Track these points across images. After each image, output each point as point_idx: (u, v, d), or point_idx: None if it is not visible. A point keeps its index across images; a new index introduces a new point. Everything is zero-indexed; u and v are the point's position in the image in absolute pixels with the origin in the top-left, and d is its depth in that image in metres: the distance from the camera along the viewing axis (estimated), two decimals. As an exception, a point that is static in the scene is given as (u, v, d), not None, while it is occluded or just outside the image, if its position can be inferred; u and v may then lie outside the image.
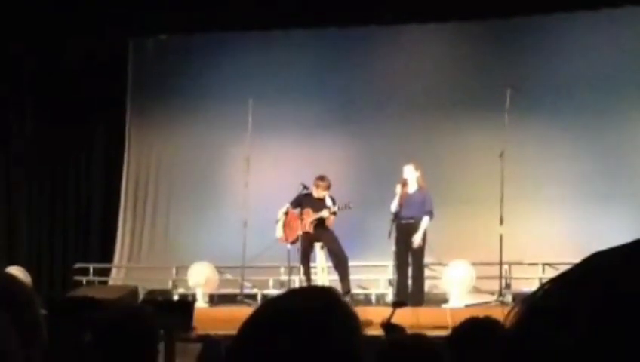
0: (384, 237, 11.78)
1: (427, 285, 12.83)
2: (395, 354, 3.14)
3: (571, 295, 0.77)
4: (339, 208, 12.08)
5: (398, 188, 11.85)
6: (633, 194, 13.01)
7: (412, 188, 11.87)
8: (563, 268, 0.83)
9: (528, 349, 0.77)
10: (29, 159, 15.25)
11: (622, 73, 13.34)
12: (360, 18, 14.11)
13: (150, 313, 3.66)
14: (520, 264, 12.79)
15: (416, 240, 11.66)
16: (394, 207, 11.71)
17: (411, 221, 11.71)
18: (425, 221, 11.73)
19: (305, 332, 1.49)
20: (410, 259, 11.79)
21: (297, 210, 12.29)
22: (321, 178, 12.27)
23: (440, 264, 12.51)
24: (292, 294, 1.73)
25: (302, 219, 12.18)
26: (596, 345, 0.73)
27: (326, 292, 1.64)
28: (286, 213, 12.33)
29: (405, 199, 11.76)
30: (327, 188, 12.23)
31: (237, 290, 12.98)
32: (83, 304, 7.89)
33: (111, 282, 14.59)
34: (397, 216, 11.71)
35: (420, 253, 11.76)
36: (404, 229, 11.70)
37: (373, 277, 13.32)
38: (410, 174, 11.88)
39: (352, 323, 1.57)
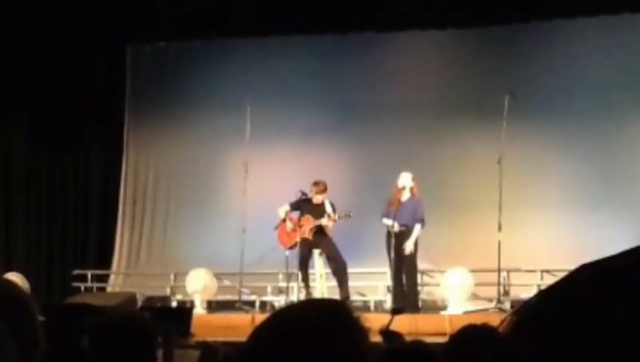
0: (382, 243, 11.78)
1: (425, 292, 12.84)
2: (394, 361, 3.14)
3: (558, 306, 0.77)
4: (339, 217, 12.07)
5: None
6: (632, 200, 13.01)
7: (405, 196, 11.87)
8: (561, 275, 0.84)
9: (518, 357, 0.78)
10: (27, 164, 15.24)
11: (620, 79, 13.36)
12: (358, 24, 14.12)
13: (148, 319, 3.66)
14: (518, 271, 12.79)
15: (408, 247, 11.66)
16: (387, 220, 11.70)
17: (403, 228, 11.71)
18: (417, 229, 11.73)
19: (312, 346, 1.48)
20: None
21: (296, 214, 12.29)
22: (316, 183, 12.26)
23: (438, 271, 12.50)
24: (299, 308, 1.72)
25: (301, 226, 12.17)
26: (581, 355, 0.74)
27: (335, 306, 1.64)
28: (284, 220, 12.31)
29: (398, 207, 11.75)
30: (323, 191, 12.20)
31: (235, 297, 12.97)
32: (81, 310, 7.88)
33: (109, 289, 14.58)
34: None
35: (411, 260, 11.75)
36: (396, 237, 11.70)
37: (371, 283, 13.31)
38: (407, 182, 11.87)
39: (362, 340, 1.56)
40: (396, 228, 11.65)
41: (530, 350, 0.77)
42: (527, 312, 0.80)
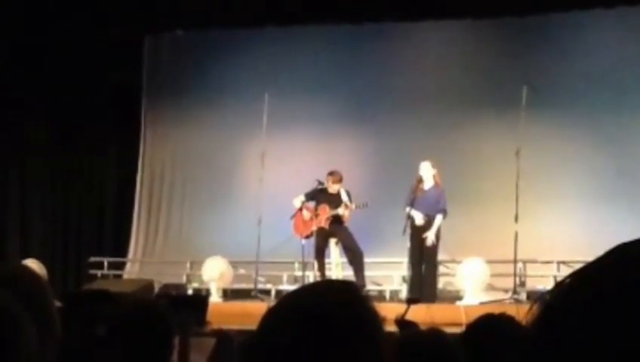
0: (398, 233, 11.74)
1: (441, 282, 12.80)
2: (410, 348, 3.14)
3: (592, 289, 0.75)
4: (356, 206, 12.06)
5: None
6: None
7: (427, 185, 11.83)
8: (577, 266, 0.82)
9: (547, 347, 0.75)
10: (43, 153, 15.30)
11: (638, 71, 13.28)
12: (376, 14, 14.10)
13: (164, 307, 3.67)
14: (535, 262, 12.76)
15: (430, 237, 11.62)
16: (408, 208, 11.68)
17: (425, 218, 11.68)
18: (438, 219, 11.69)
19: (324, 326, 1.48)
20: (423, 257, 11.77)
21: (312, 204, 12.29)
22: (331, 173, 12.26)
23: (454, 261, 12.48)
24: (311, 288, 1.72)
25: (317, 215, 12.17)
26: (616, 341, 0.71)
27: (345, 286, 1.64)
28: (300, 209, 12.31)
29: (420, 196, 11.72)
30: (339, 181, 12.20)
31: (251, 285, 12.98)
32: (98, 297, 7.91)
33: (125, 276, 14.62)
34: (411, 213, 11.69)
35: (432, 250, 11.71)
36: (417, 226, 11.66)
37: (387, 273, 13.30)
38: (427, 171, 11.84)
39: (373, 318, 1.56)
40: (417, 216, 11.61)
41: (554, 339, 0.74)
42: (554, 299, 0.77)
